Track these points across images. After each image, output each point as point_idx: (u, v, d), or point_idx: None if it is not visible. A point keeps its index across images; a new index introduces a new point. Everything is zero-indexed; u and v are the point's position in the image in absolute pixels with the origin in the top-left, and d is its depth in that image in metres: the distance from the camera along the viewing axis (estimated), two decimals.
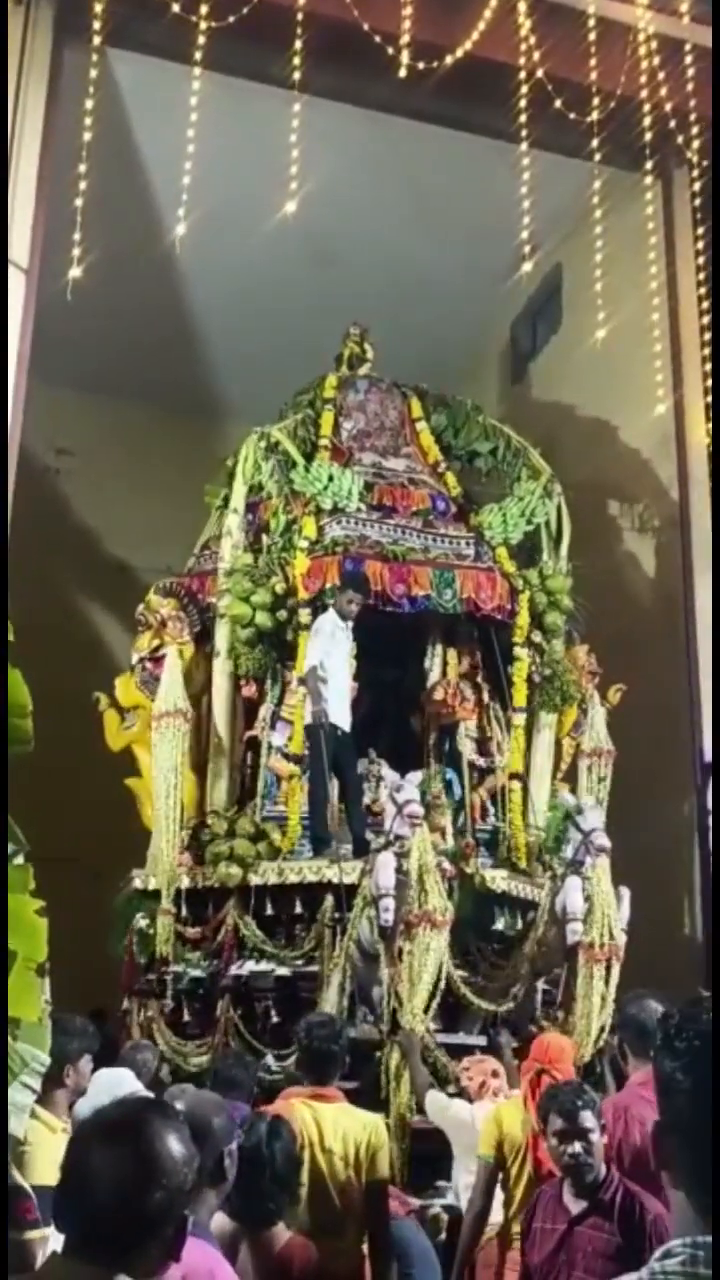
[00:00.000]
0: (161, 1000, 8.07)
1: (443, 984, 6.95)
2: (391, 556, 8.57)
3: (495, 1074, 6.20)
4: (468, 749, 8.80)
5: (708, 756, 9.24)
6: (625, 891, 7.15)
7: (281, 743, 8.46)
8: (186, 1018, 7.98)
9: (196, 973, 7.95)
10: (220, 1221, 3.50)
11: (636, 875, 7.66)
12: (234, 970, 7.79)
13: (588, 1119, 3.88)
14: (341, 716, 8.00)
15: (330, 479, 8.80)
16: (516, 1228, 4.72)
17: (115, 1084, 5.17)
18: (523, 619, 8.85)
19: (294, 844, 7.98)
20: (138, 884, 8.34)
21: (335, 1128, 4.45)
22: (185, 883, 7.99)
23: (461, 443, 10.06)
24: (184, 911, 8.12)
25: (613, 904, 7.00)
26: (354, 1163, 4.45)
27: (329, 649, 7.90)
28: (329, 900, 7.62)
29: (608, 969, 6.86)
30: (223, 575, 8.68)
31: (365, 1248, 4.51)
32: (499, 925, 7.95)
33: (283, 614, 8.41)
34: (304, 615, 8.32)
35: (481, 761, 8.84)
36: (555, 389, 12.44)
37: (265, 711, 8.65)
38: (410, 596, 8.48)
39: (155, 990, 8.10)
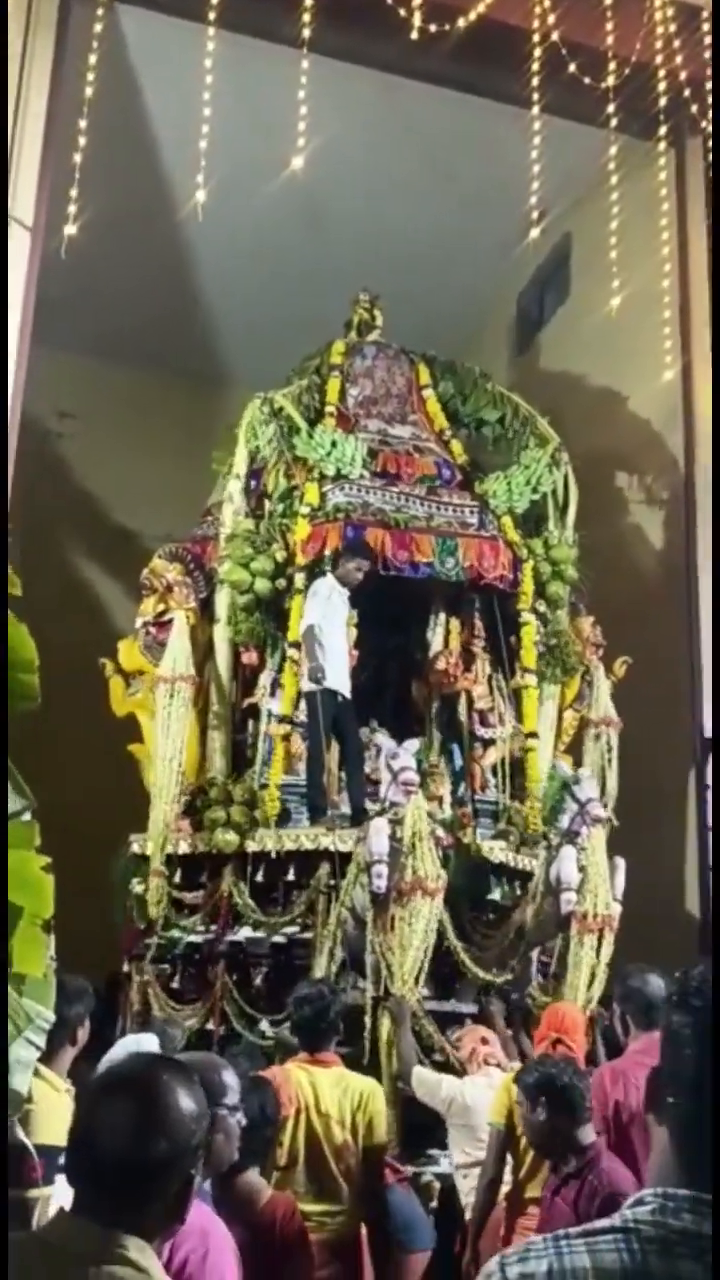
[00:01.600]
0: (158, 965, 8.09)
1: (436, 952, 6.94)
2: (394, 524, 8.50)
3: (485, 1040, 6.22)
4: (469, 719, 8.73)
5: (708, 731, 9.17)
6: (620, 862, 7.11)
7: (280, 709, 8.42)
8: (182, 982, 7.99)
9: (193, 938, 7.98)
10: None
11: (635, 847, 7.63)
12: (230, 936, 7.81)
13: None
14: (341, 682, 7.96)
15: (333, 445, 8.72)
16: (527, 1193, 4.77)
17: (139, 1047, 5.23)
18: (526, 588, 8.79)
19: (276, 807, 7.93)
20: (136, 849, 8.34)
21: (331, 1092, 4.51)
22: (181, 847, 7.98)
23: (469, 410, 9.97)
24: (180, 877, 8.14)
25: (606, 874, 6.95)
26: (350, 1127, 4.50)
27: (325, 612, 7.85)
28: (324, 867, 7.62)
29: (600, 939, 6.82)
30: (224, 540, 8.62)
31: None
32: (495, 895, 7.93)
33: (282, 582, 8.36)
34: (300, 581, 8.27)
35: (483, 732, 8.78)
36: (562, 359, 12.33)
37: (265, 679, 8.62)
38: (412, 563, 8.42)
39: (153, 955, 8.12)
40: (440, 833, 7.29)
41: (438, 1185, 6.53)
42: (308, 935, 7.56)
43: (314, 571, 8.32)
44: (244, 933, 7.79)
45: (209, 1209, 2.91)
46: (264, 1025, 7.39)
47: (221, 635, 8.64)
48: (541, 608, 8.92)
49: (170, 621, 8.53)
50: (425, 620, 9.02)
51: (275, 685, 8.52)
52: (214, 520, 9.12)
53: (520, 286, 13.34)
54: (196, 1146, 1.95)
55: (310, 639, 7.74)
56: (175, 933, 7.90)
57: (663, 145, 9.91)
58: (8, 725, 3.01)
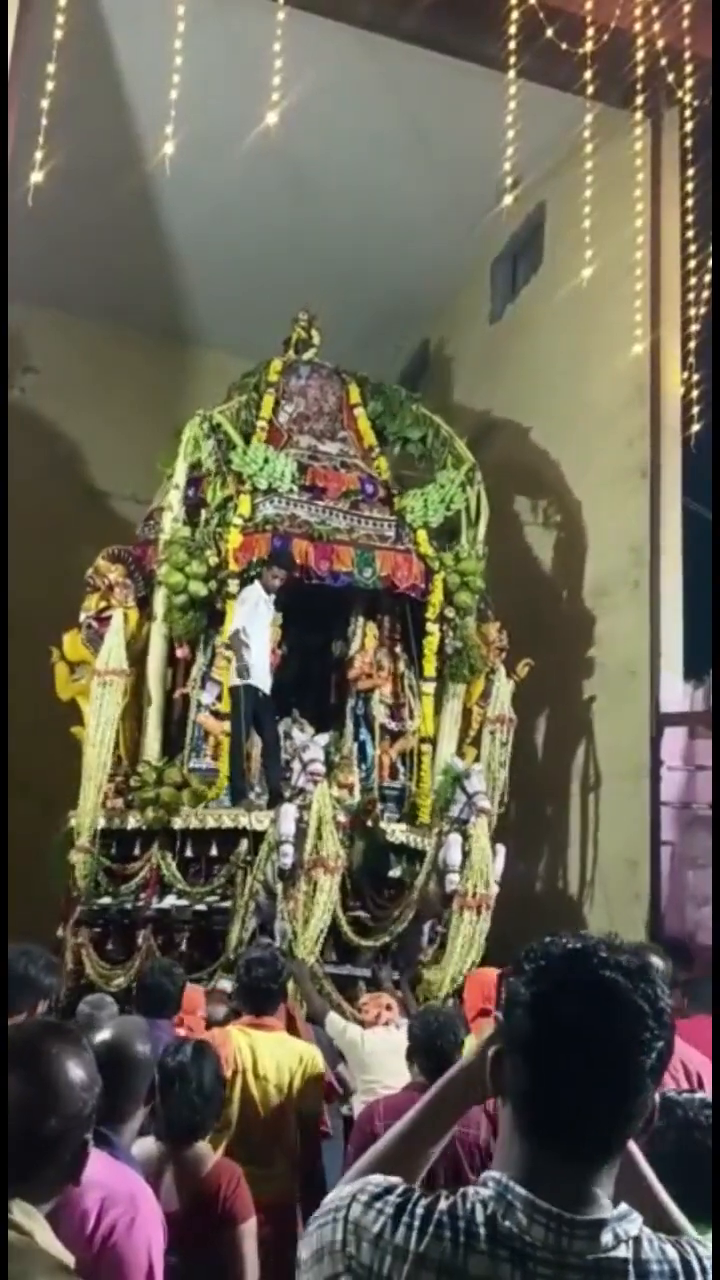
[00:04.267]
0: (91, 929, 8.96)
1: (336, 922, 7.88)
2: (317, 536, 9.37)
3: (389, 1008, 7.11)
4: (381, 713, 9.65)
5: (665, 707, 9.49)
6: (501, 848, 8.05)
7: (210, 701, 9.31)
8: (112, 945, 8.86)
9: (123, 905, 8.85)
10: (146, 1145, 3.56)
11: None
12: (156, 904, 8.69)
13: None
14: (262, 679, 8.84)
15: (265, 461, 9.57)
16: None
17: (102, 1004, 6.02)
18: (436, 597, 9.70)
19: (214, 792, 8.82)
20: (72, 823, 9.20)
21: (270, 1056, 4.52)
22: (104, 824, 8.83)
23: (394, 429, 10.82)
24: (115, 850, 9.01)
25: (488, 859, 7.89)
26: (286, 1091, 4.53)
27: (252, 616, 8.72)
28: (243, 844, 8.53)
29: (478, 915, 7.76)
30: (162, 545, 9.44)
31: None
32: (395, 872, 8.86)
33: (214, 584, 9.21)
34: (233, 586, 9.13)
35: (393, 725, 9.70)
36: (534, 329, 12.20)
37: (196, 672, 9.50)
38: (333, 573, 9.31)
39: (85, 920, 8.99)
40: (342, 817, 8.20)
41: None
42: (226, 904, 8.46)
43: (244, 577, 9.18)
44: (169, 901, 8.68)
45: (136, 1174, 2.91)
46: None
47: (158, 631, 9.49)
48: (450, 614, 9.80)
49: (110, 618, 9.36)
50: (346, 622, 9.92)
51: (205, 678, 9.40)
52: (155, 524, 9.93)
53: (495, 254, 13.21)
54: (89, 1115, 1.95)
55: (237, 642, 8.61)
56: (106, 900, 8.77)
57: (639, 115, 9.88)
58: (7, 726, 3.51)
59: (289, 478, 9.61)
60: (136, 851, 9.00)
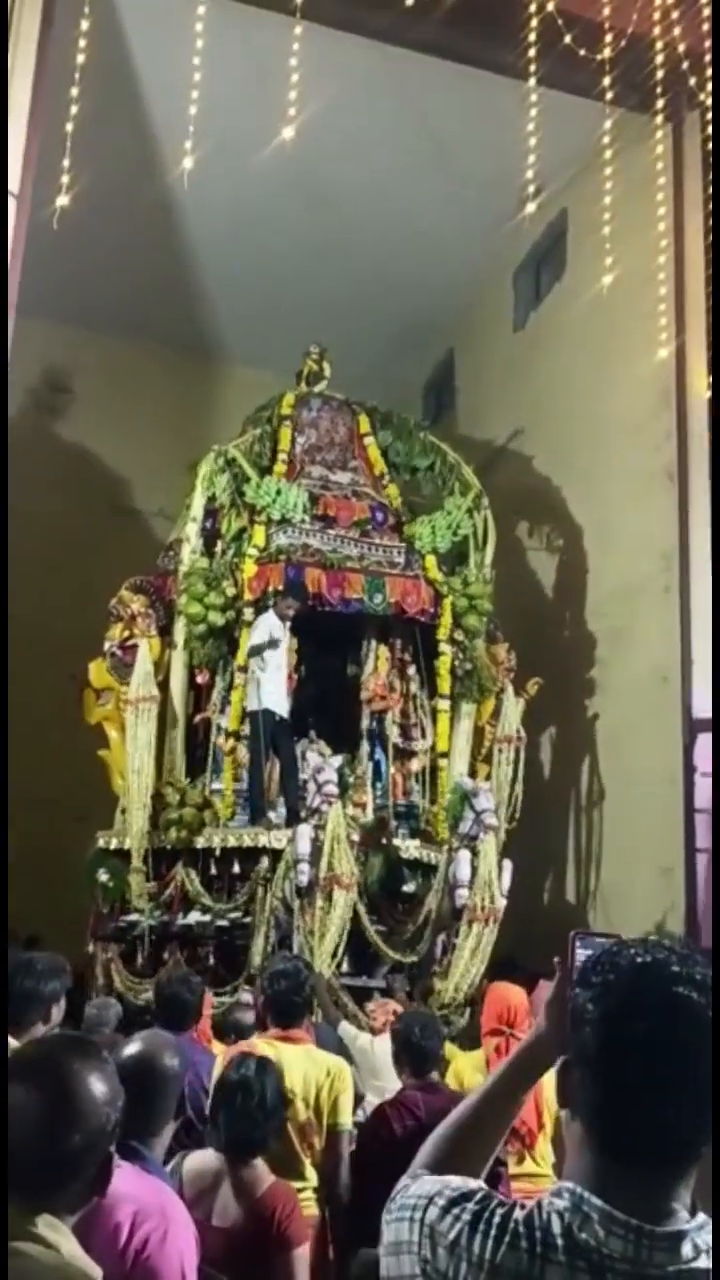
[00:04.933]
0: (120, 944, 9.39)
1: (352, 935, 8.27)
2: (329, 564, 9.78)
3: (396, 1015, 7.49)
4: (394, 733, 10.04)
5: (697, 713, 9.33)
6: (508, 863, 8.44)
7: (229, 724, 9.72)
8: (140, 960, 9.28)
9: (150, 922, 9.27)
10: (205, 1157, 3.58)
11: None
12: (181, 920, 9.11)
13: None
14: (279, 704, 9.25)
15: (278, 493, 9.99)
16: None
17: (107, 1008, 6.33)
18: (445, 620, 10.09)
19: (230, 811, 9.22)
20: (102, 844, 9.64)
21: (297, 1070, 4.46)
22: (124, 843, 9.28)
23: (403, 457, 11.22)
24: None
25: (495, 874, 8.27)
26: (314, 1105, 4.47)
27: (266, 643, 9.12)
28: (263, 862, 8.94)
29: (486, 927, 8.14)
30: (181, 576, 9.88)
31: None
32: (409, 887, 9.24)
33: (231, 613, 9.64)
34: (248, 614, 9.55)
35: (406, 744, 10.09)
36: (558, 337, 12.20)
37: (216, 696, 9.92)
38: (344, 600, 9.71)
39: (114, 936, 9.41)
40: (355, 836, 8.60)
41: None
42: (248, 920, 8.86)
43: (259, 605, 9.60)
44: (194, 916, 9.09)
45: (168, 1186, 2.90)
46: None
47: (179, 659, 9.92)
48: (460, 636, 10.18)
49: (135, 646, 9.80)
50: (360, 646, 10.33)
51: (224, 703, 9.83)
52: (174, 556, 10.37)
53: (517, 263, 13.22)
54: (112, 1128, 1.94)
55: (253, 653, 9.02)
56: (134, 916, 9.20)
57: (660, 119, 9.78)
58: (8, 729, 3.60)
59: (301, 508, 10.02)
60: (161, 870, 9.44)
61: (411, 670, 10.37)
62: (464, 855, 8.33)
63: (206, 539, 10.25)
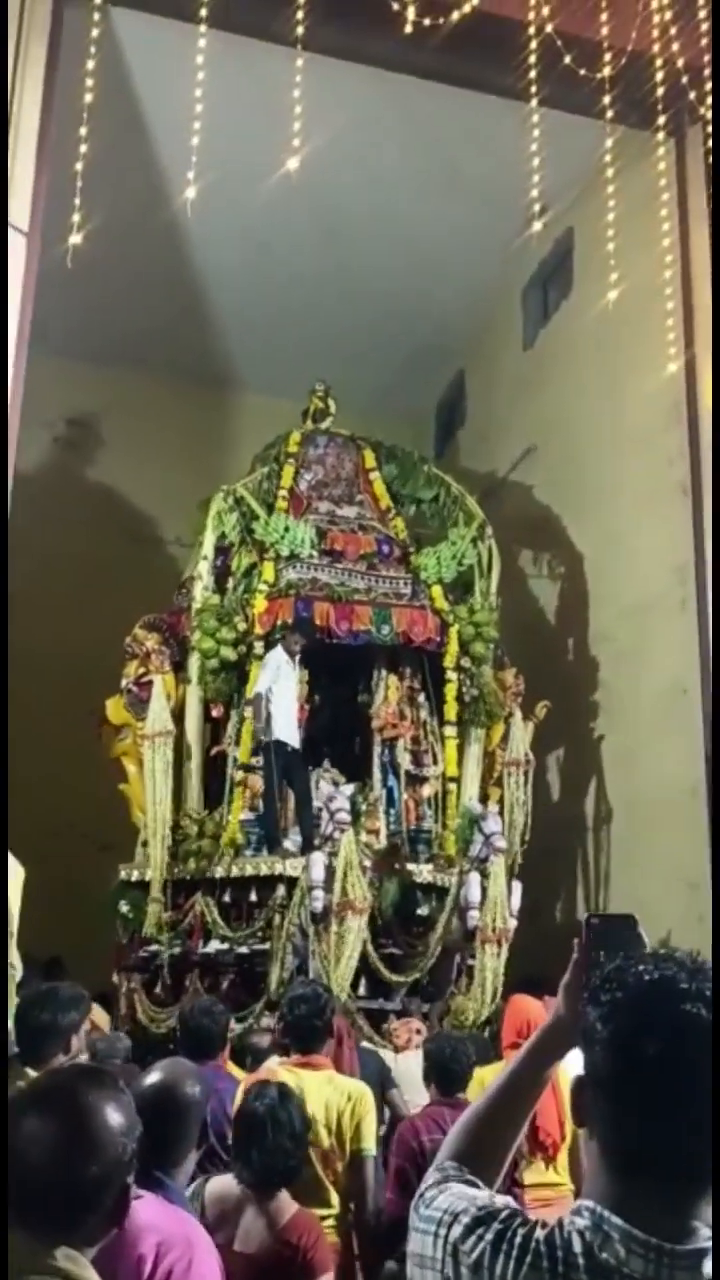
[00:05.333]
0: (143, 974, 9.62)
1: (367, 959, 8.48)
2: (337, 597, 10.05)
3: (419, 1031, 7.71)
4: (405, 760, 10.27)
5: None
6: (517, 885, 8.64)
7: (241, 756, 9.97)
8: (161, 990, 9.50)
9: (172, 951, 9.49)
10: (226, 1182, 3.59)
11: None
12: (201, 949, 9.33)
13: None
14: (290, 735, 9.49)
15: (286, 530, 10.28)
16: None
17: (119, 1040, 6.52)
18: (452, 649, 10.33)
19: (236, 838, 9.43)
20: (123, 876, 9.88)
21: (319, 1096, 4.44)
22: (143, 875, 9.52)
23: (408, 490, 11.51)
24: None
25: (505, 895, 8.47)
26: (336, 1131, 4.46)
27: (276, 678, 9.39)
28: (279, 890, 9.16)
29: (498, 947, 8.35)
30: (194, 613, 10.16)
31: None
32: (423, 910, 9.44)
33: (243, 648, 9.90)
34: (259, 648, 9.82)
35: (417, 771, 10.31)
36: (568, 354, 12.32)
37: (230, 729, 10.18)
38: (352, 632, 9.97)
39: (137, 966, 9.64)
40: (368, 862, 8.82)
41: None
42: (265, 946, 9.08)
43: (270, 640, 9.86)
44: (213, 945, 9.32)
45: (191, 1215, 2.89)
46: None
47: (193, 693, 10.18)
48: (466, 664, 10.42)
49: (150, 683, 10.07)
50: (371, 675, 10.58)
51: (239, 735, 10.07)
52: (187, 593, 10.65)
53: (525, 282, 13.36)
54: (129, 1159, 1.93)
55: (259, 703, 9.28)
56: (155, 946, 9.43)
57: (662, 135, 9.81)
58: (8, 731, 3.39)
59: (309, 543, 10.30)
60: (180, 900, 9.67)
61: (421, 698, 10.61)
62: (474, 878, 8.54)
63: (218, 576, 10.54)
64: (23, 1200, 1.82)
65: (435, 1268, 1.43)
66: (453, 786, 10.21)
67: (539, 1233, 1.39)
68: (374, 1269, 4.58)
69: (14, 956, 3.68)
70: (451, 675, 10.35)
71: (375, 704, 10.40)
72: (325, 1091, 4.48)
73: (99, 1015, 7.14)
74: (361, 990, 8.77)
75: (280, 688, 9.37)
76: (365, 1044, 7.47)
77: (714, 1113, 1.31)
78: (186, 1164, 3.10)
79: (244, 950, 9.23)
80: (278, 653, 9.52)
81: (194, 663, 10.12)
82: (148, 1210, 2.31)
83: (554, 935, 10.15)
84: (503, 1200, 1.48)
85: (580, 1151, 4.82)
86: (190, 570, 10.93)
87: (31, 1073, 3.79)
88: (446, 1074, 5.07)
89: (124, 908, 9.60)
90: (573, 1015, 1.57)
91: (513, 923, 8.45)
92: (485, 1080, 5.54)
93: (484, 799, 10.23)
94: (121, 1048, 7.06)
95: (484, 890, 8.52)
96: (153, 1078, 3.10)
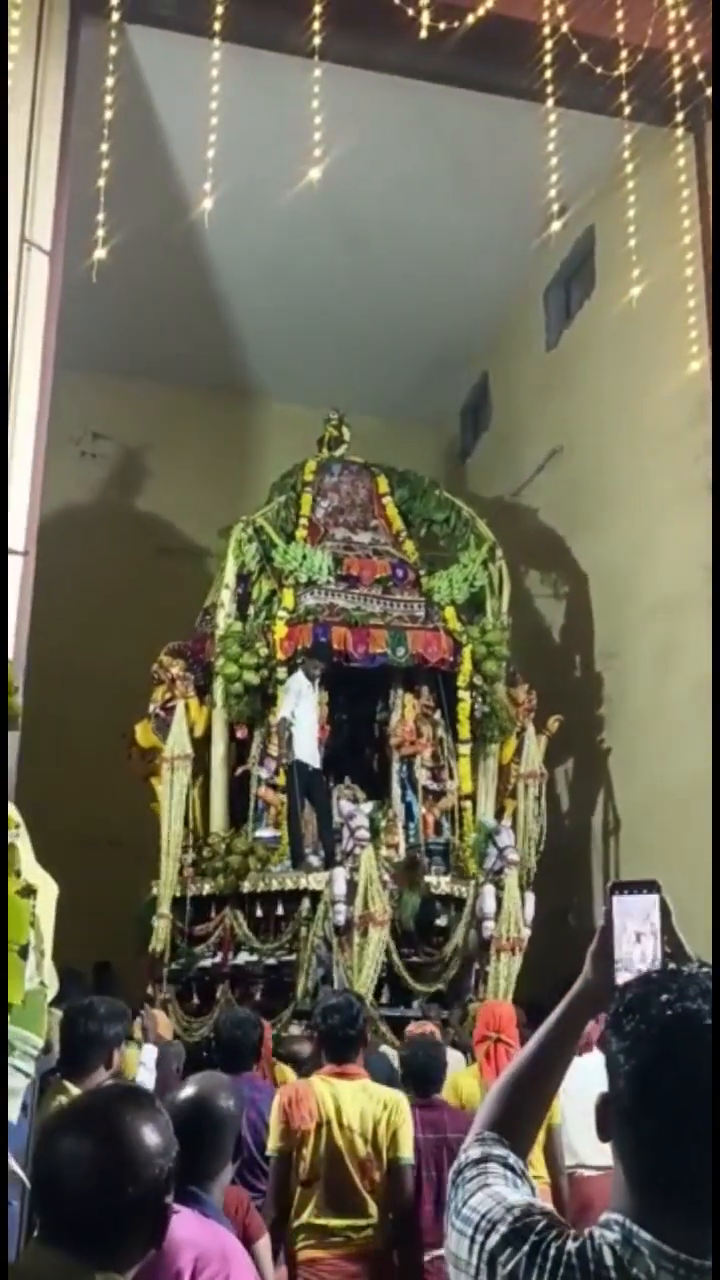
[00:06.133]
0: (175, 986, 10.09)
1: (389, 969, 8.91)
2: (354, 622, 10.50)
3: (432, 1033, 8.12)
4: (423, 776, 10.70)
5: None
6: (530, 896, 9.06)
7: (267, 775, 10.43)
8: (194, 1000, 9.96)
9: (203, 963, 9.96)
10: None
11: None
12: (231, 961, 9.79)
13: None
14: (311, 756, 9.94)
15: (304, 557, 10.73)
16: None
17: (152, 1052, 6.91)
18: (465, 668, 10.76)
19: (282, 857, 9.89)
20: (154, 891, 10.34)
21: (354, 1105, 4.47)
22: (188, 890, 9.97)
23: (419, 514, 11.95)
24: (193, 914, 10.13)
25: (519, 906, 8.90)
26: (372, 1140, 4.46)
27: (297, 702, 9.84)
28: (304, 903, 9.61)
29: (513, 955, 8.78)
30: (217, 639, 10.62)
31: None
32: (442, 921, 9.87)
33: (265, 672, 10.36)
34: (281, 672, 10.28)
35: (435, 786, 10.74)
36: (591, 353, 12.28)
37: (255, 750, 10.64)
38: (369, 655, 10.42)
39: (169, 978, 10.11)
40: (387, 876, 9.26)
41: None
42: (292, 958, 9.53)
43: (291, 664, 10.31)
44: (243, 957, 9.78)
45: (226, 1230, 2.87)
46: None
47: (218, 716, 10.65)
48: (479, 682, 10.84)
49: (175, 707, 10.54)
50: (388, 695, 11.02)
51: (262, 755, 10.53)
52: (210, 620, 11.12)
53: (546, 282, 13.37)
54: (166, 1179, 1.90)
55: (284, 728, 9.75)
56: (187, 959, 9.89)
57: (680, 131, 9.74)
58: (8, 733, 3.42)
59: (326, 570, 10.76)
60: (211, 914, 10.12)
61: (437, 715, 11.04)
62: (489, 889, 8.98)
63: (239, 603, 11.00)
64: (60, 1222, 1.82)
65: (470, 1272, 1.46)
66: (467, 803, 10.63)
67: (570, 1245, 1.41)
68: (414, 1275, 4.61)
69: (49, 974, 3.64)
70: (464, 694, 10.77)
71: (393, 722, 10.84)
72: (361, 1100, 4.50)
73: (163, 1023, 7.57)
74: (385, 998, 9.20)
75: (301, 711, 9.82)
76: (385, 1048, 7.91)
77: (714, 1112, 1.32)
78: (223, 1177, 3.14)
79: (272, 961, 9.68)
80: (298, 678, 9.97)
81: (218, 687, 10.57)
82: (185, 1225, 2.35)
83: (570, 941, 10.55)
84: (537, 1205, 1.51)
85: (553, 1145, 5.30)
86: (212, 598, 11.39)
87: (72, 1088, 3.86)
88: (422, 1078, 5.43)
89: (154, 922, 10.06)
90: (600, 981, 1.64)
91: (526, 933, 8.86)
92: (458, 1084, 6.03)
93: (499, 813, 10.66)
94: (171, 1053, 7.47)
95: (499, 901, 8.93)
96: (186, 1092, 3.14)
